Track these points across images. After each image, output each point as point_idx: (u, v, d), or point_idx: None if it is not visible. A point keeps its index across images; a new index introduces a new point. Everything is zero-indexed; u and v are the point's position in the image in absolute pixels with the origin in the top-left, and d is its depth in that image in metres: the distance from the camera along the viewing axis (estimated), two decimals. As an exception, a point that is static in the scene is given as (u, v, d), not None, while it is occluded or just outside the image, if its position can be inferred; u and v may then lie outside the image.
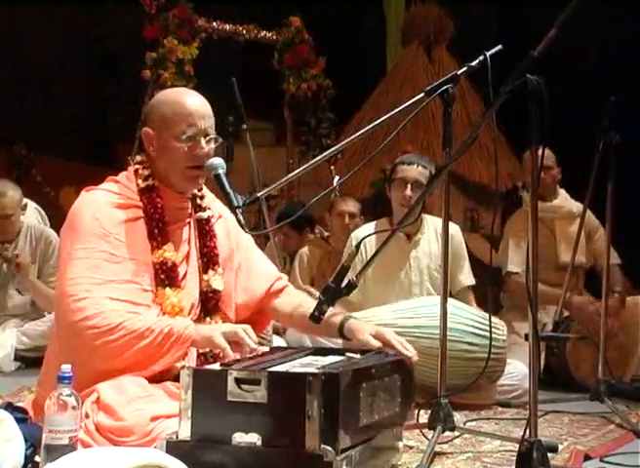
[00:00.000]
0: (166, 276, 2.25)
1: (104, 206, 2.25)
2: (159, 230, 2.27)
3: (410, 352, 2.23)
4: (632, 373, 3.91)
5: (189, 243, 2.37)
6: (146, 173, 2.33)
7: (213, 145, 2.30)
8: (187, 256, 2.35)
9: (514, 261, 4.21)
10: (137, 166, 2.36)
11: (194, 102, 2.28)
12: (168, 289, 2.25)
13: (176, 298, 2.25)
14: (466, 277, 3.73)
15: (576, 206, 4.29)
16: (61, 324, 2.17)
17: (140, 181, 2.32)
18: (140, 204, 2.29)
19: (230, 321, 2.40)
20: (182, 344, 2.13)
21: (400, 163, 3.65)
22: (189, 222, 2.40)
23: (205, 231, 2.40)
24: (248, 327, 2.17)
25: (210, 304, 2.35)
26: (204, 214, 2.41)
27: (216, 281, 2.36)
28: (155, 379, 2.15)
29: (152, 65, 6.79)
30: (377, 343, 2.24)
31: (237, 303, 2.45)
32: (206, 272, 2.37)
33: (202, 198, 2.44)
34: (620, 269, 4.21)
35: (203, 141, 2.26)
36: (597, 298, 4.20)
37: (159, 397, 2.05)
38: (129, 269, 2.20)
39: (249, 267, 2.50)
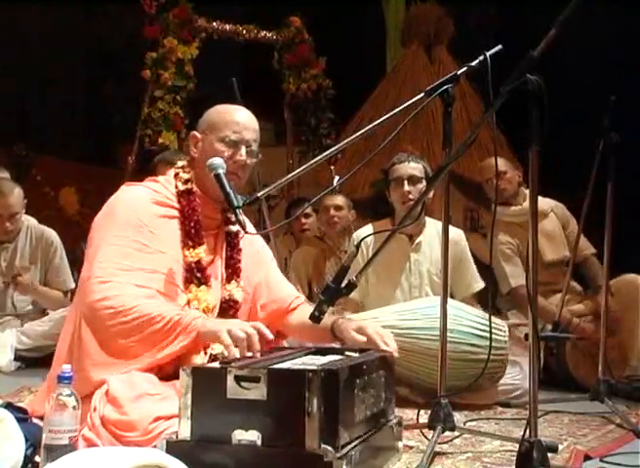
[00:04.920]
0: (201, 274, 2.33)
1: (143, 200, 2.36)
2: (195, 231, 2.37)
3: (390, 347, 2.25)
4: (636, 359, 3.87)
5: (215, 252, 2.45)
6: (186, 177, 2.44)
7: (253, 160, 2.41)
8: (212, 263, 2.43)
9: (514, 274, 4.10)
10: (177, 170, 2.47)
11: (243, 115, 2.43)
12: (203, 286, 2.33)
13: (209, 297, 2.33)
14: (475, 282, 3.74)
15: (546, 202, 4.24)
16: (84, 303, 2.22)
17: (179, 184, 2.43)
18: (177, 205, 2.39)
19: None
20: (188, 334, 2.15)
21: (392, 164, 3.71)
22: (217, 233, 2.48)
23: (233, 244, 2.50)
24: (259, 324, 2.18)
25: (230, 313, 2.42)
26: (233, 228, 2.50)
27: (238, 292, 2.45)
28: (168, 374, 2.18)
29: (152, 65, 6.80)
30: (361, 338, 2.29)
31: (256, 317, 2.50)
32: (229, 282, 2.45)
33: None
34: (596, 259, 4.16)
35: (244, 150, 2.37)
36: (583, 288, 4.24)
37: (168, 395, 2.06)
38: (159, 261, 2.28)
39: (269, 284, 2.59)
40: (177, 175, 2.46)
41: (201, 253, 2.35)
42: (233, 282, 2.45)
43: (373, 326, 2.37)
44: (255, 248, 2.59)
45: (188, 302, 2.31)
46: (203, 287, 2.33)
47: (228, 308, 2.42)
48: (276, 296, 2.58)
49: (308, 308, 2.62)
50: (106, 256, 2.24)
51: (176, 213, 2.39)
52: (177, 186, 2.43)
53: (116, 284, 2.19)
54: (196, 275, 2.33)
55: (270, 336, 2.14)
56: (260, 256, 2.62)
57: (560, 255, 4.13)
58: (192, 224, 2.37)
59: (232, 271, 2.46)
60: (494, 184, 4.07)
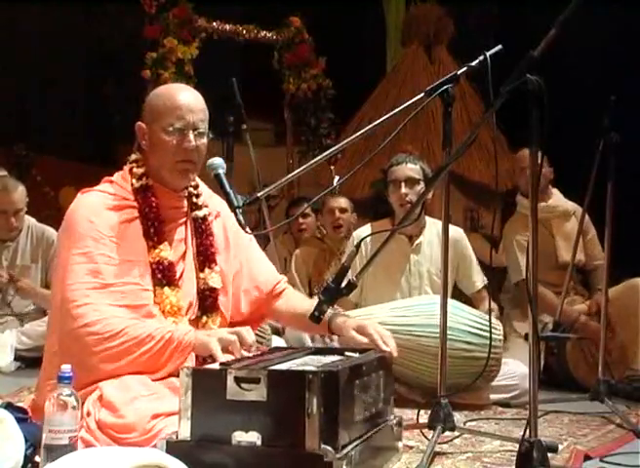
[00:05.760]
0: (163, 275, 2.26)
1: (99, 208, 2.25)
2: (155, 229, 2.28)
3: (389, 347, 2.23)
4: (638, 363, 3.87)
5: (186, 242, 2.38)
6: (140, 171, 2.34)
7: (204, 140, 2.31)
8: (184, 256, 2.36)
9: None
10: (131, 164, 2.37)
11: (185, 96, 2.30)
12: (166, 288, 2.26)
13: (174, 298, 2.26)
14: (480, 279, 3.76)
15: (570, 204, 4.32)
16: (62, 329, 2.17)
17: (134, 181, 2.33)
18: (136, 204, 2.30)
19: (231, 317, 2.42)
20: (183, 351, 2.14)
21: (389, 166, 3.72)
22: (186, 221, 2.40)
23: (201, 230, 2.41)
24: (247, 329, 2.17)
25: (207, 302, 2.36)
26: (200, 213, 2.42)
27: (213, 279, 2.37)
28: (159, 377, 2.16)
29: (152, 65, 6.80)
30: (362, 339, 2.25)
31: (240, 301, 2.47)
32: (202, 270, 2.37)
33: (198, 196, 2.44)
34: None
35: (191, 135, 2.27)
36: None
37: (162, 395, 2.06)
38: (127, 270, 2.20)
39: (251, 268, 2.52)
40: (131, 170, 2.35)
41: (162, 252, 2.27)
42: (207, 269, 2.37)
43: (373, 325, 2.33)
44: (230, 226, 2.46)
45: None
46: (166, 288, 2.25)
47: (206, 297, 2.35)
48: (258, 281, 2.51)
49: (294, 293, 2.62)
50: (74, 277, 2.15)
51: (136, 212, 2.29)
52: (132, 183, 2.32)
53: (93, 306, 2.11)
54: (158, 276, 2.25)
55: (252, 347, 2.12)
56: (238, 238, 2.50)
57: (575, 258, 4.12)
58: (150, 223, 2.28)
59: (205, 258, 2.38)
60: (527, 175, 4.12)
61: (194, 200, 2.43)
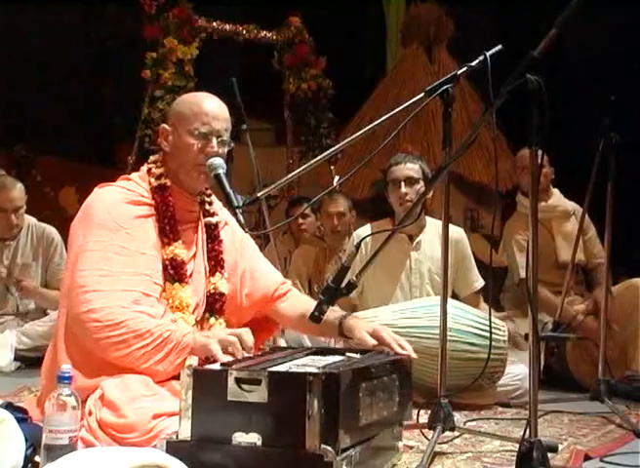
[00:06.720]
0: (175, 272, 2.30)
1: (117, 201, 2.31)
2: (170, 227, 2.33)
3: (406, 351, 2.25)
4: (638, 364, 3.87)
5: (197, 245, 2.43)
6: (159, 171, 2.39)
7: (225, 149, 2.37)
8: (194, 257, 2.40)
9: (525, 266, 4.14)
10: (150, 165, 2.43)
11: (211, 104, 2.36)
12: (176, 284, 2.29)
13: (184, 294, 2.29)
14: (477, 280, 3.75)
15: (570, 204, 4.32)
16: (70, 313, 2.20)
17: (152, 180, 2.38)
18: (152, 202, 2.35)
19: (232, 324, 2.43)
20: (181, 352, 2.14)
21: (389, 166, 3.71)
22: (198, 226, 2.45)
23: (213, 236, 2.46)
24: (247, 330, 2.18)
25: (216, 306, 2.40)
26: (213, 220, 2.48)
27: (222, 284, 2.42)
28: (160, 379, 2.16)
29: (152, 65, 6.81)
30: (372, 341, 2.27)
31: (243, 307, 2.50)
32: (213, 275, 2.42)
33: (210, 204, 2.50)
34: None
35: (214, 141, 2.33)
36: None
37: (163, 396, 2.07)
38: (139, 262, 2.24)
39: (253, 272, 2.56)
40: (149, 170, 2.41)
41: (176, 249, 2.31)
42: (217, 274, 2.42)
43: (386, 329, 2.35)
44: (236, 237, 2.55)
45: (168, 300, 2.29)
46: (177, 284, 2.29)
47: (215, 301, 2.39)
48: (261, 284, 2.55)
49: (299, 296, 2.64)
50: (87, 264, 2.19)
51: (152, 210, 2.34)
52: (150, 182, 2.38)
53: (101, 293, 2.15)
54: (170, 272, 2.29)
55: (250, 349, 2.12)
56: (243, 245, 2.57)
57: (576, 258, 4.12)
58: (166, 221, 2.33)
59: (215, 263, 2.43)
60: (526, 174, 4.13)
61: (207, 207, 2.49)
